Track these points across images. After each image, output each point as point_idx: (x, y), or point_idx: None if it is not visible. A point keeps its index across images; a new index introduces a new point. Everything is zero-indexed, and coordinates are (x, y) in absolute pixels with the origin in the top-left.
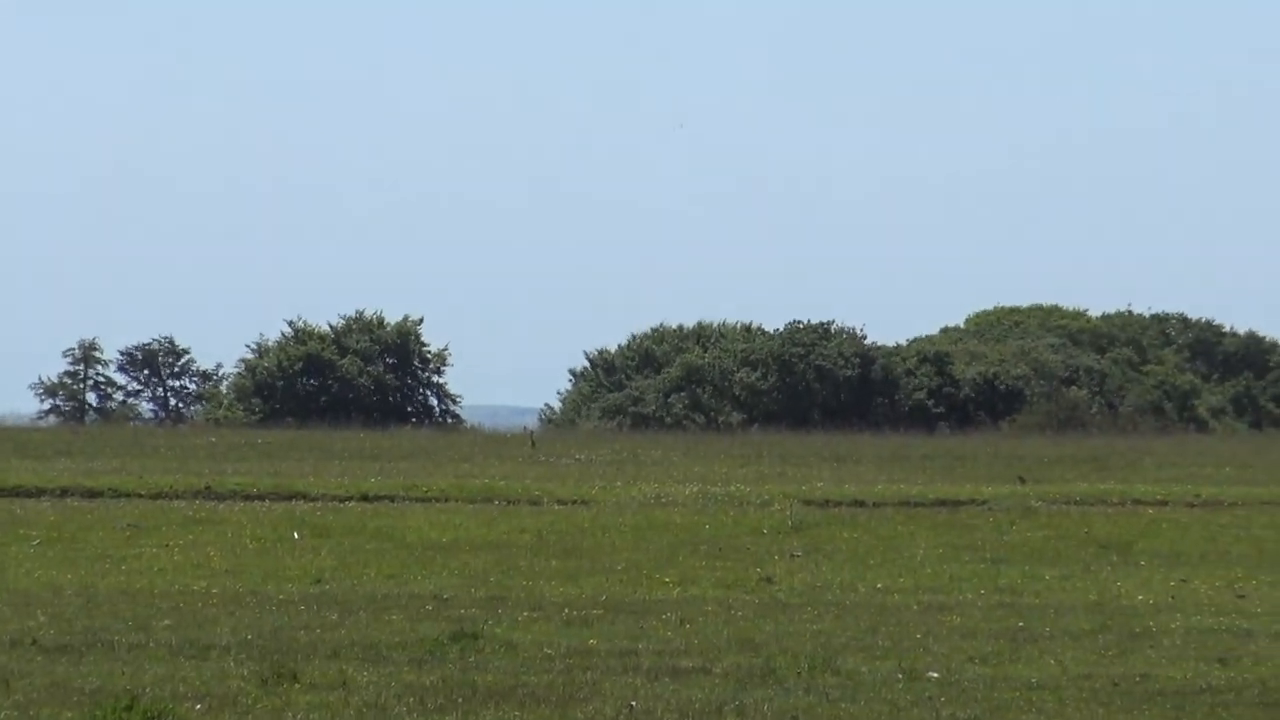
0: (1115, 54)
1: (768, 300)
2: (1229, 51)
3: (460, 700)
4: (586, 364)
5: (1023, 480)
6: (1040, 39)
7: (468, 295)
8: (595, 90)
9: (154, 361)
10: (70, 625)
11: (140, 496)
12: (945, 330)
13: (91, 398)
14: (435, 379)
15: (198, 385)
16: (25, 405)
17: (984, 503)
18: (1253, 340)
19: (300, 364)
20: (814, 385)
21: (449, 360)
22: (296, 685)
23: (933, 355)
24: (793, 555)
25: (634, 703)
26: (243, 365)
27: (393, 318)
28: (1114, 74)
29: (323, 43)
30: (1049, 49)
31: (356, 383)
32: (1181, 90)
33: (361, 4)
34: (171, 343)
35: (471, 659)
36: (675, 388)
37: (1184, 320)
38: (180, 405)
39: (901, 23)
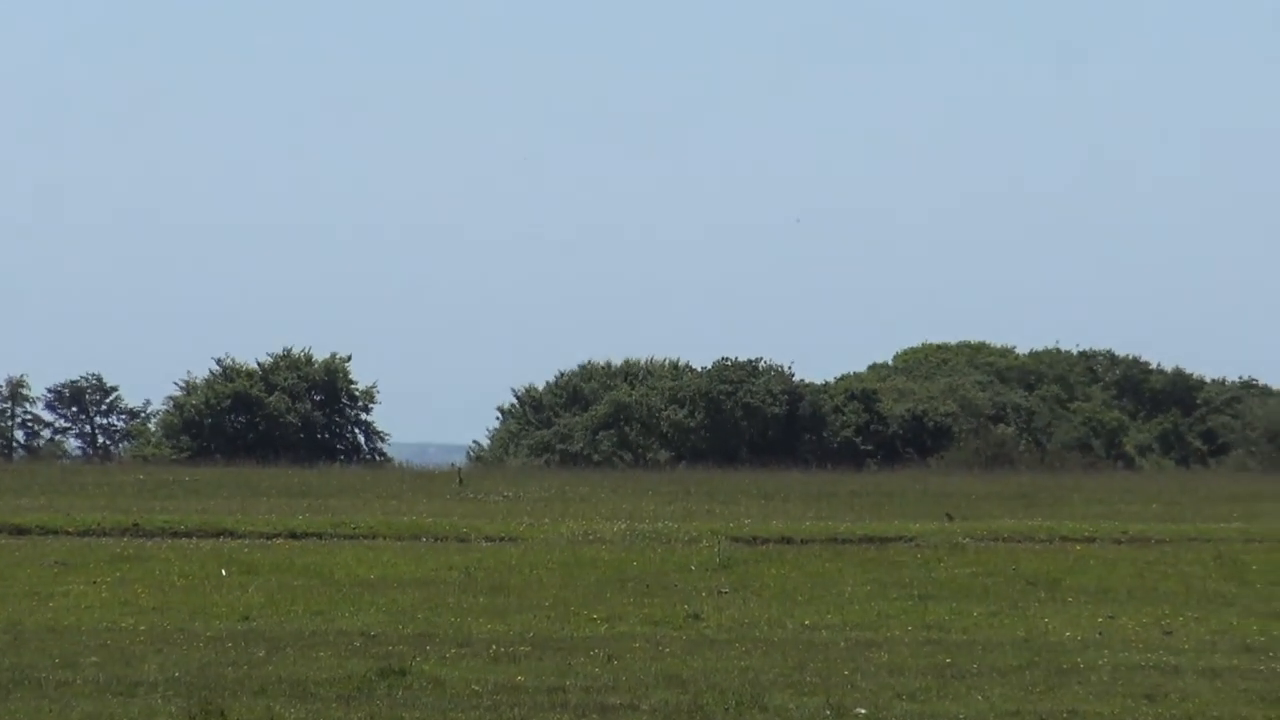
0: (1038, 95)
1: (695, 338)
2: (1155, 92)
3: None
4: (515, 401)
5: (950, 517)
6: (971, 81)
7: (396, 333)
8: (520, 127)
9: (82, 399)
10: None
11: (68, 534)
12: (873, 367)
13: (19, 435)
14: (363, 416)
15: (125, 423)
16: None
17: (912, 539)
18: (1180, 377)
19: (228, 401)
20: (742, 422)
21: (377, 398)
22: None
23: (860, 392)
24: (720, 592)
25: None
26: (171, 403)
27: (321, 355)
28: (1035, 115)
29: (243, 79)
30: (977, 91)
31: (284, 420)
32: (1104, 133)
33: (277, 47)
34: (99, 380)
35: (399, 696)
36: (603, 425)
37: (1111, 357)
38: (108, 443)
39: (834, 62)
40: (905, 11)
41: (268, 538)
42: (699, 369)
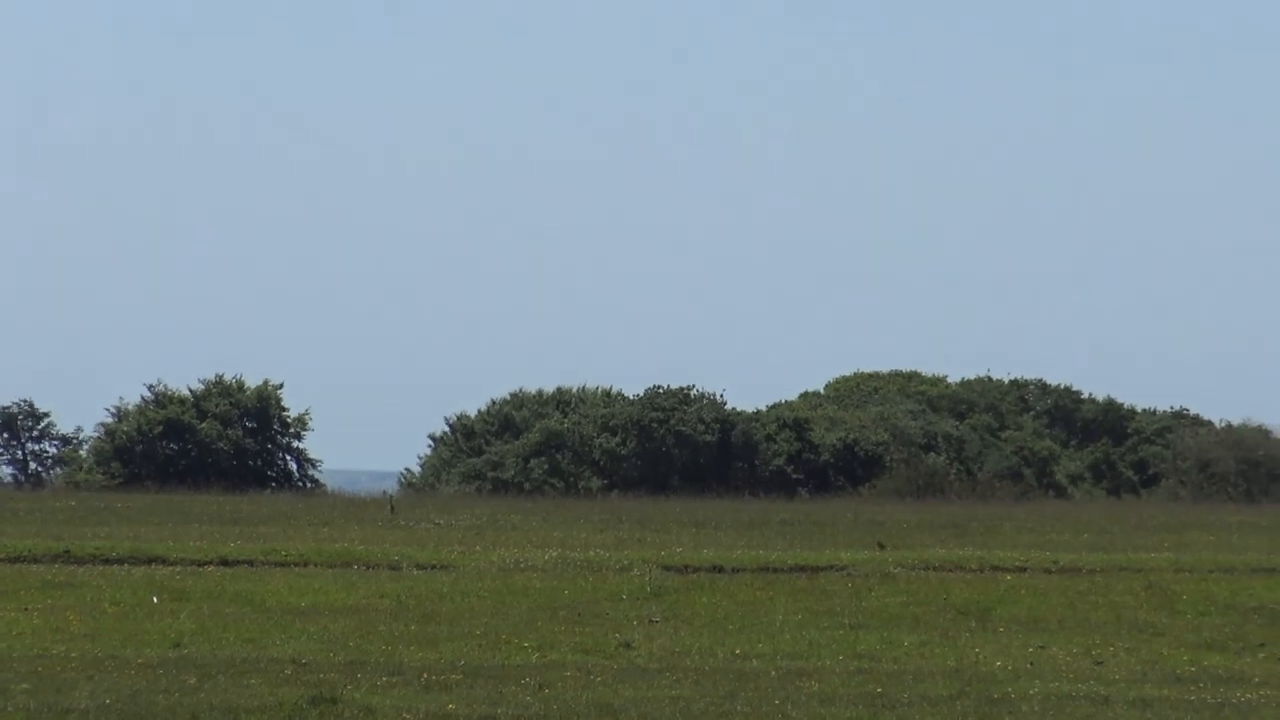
0: (967, 113)
1: (627, 366)
2: (1086, 111)
3: None
4: (446, 429)
5: (882, 546)
6: (900, 99)
7: (327, 360)
8: (455, 147)
9: (13, 425)
10: None
11: None
12: (805, 396)
13: None
14: (295, 443)
15: (57, 449)
16: None
17: (843, 568)
18: (1111, 407)
19: (160, 428)
20: (674, 451)
21: (309, 424)
22: None
23: (792, 421)
24: (651, 621)
25: None
26: (102, 429)
27: (253, 382)
28: (968, 136)
29: (168, 102)
30: (902, 110)
31: (216, 447)
32: (1036, 163)
33: (203, 66)
34: (31, 406)
35: None
36: (535, 453)
37: (1043, 386)
38: (40, 469)
39: (761, 93)
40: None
41: (199, 564)
42: (631, 397)
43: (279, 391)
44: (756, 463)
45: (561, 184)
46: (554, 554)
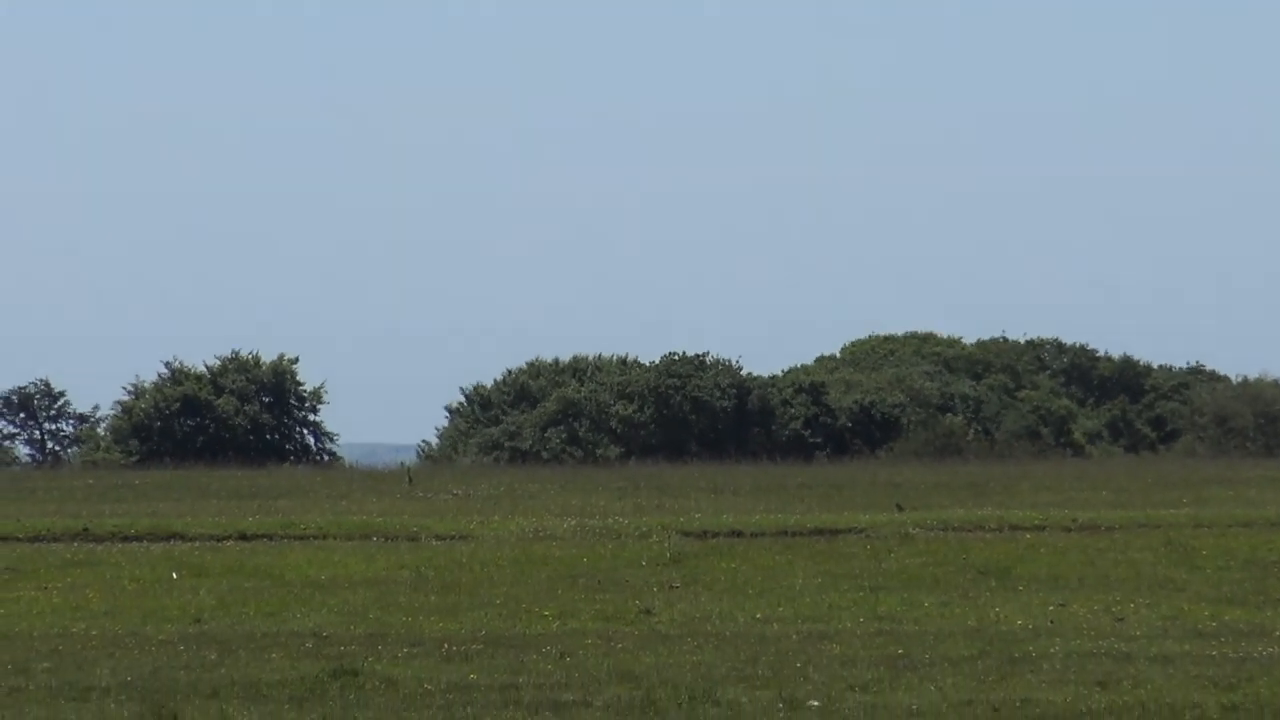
0: (970, 74)
1: (643, 333)
2: (1113, 72)
3: None
4: (463, 400)
5: (900, 508)
6: (911, 59)
7: (342, 333)
8: (470, 120)
9: (30, 404)
10: None
11: (18, 539)
12: (820, 360)
13: None
14: (311, 417)
15: (74, 427)
16: None
17: (862, 531)
18: (1127, 364)
19: (177, 404)
20: (690, 417)
21: (325, 398)
22: None
23: (808, 385)
24: (672, 586)
25: None
26: (119, 407)
27: (268, 357)
28: (976, 95)
29: (186, 83)
30: (912, 69)
31: (233, 422)
32: (1056, 114)
33: (230, 53)
34: (47, 385)
35: (352, 696)
36: (552, 422)
37: (1058, 345)
38: (57, 448)
39: (785, 55)
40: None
41: (218, 540)
42: (647, 364)
43: (294, 366)
44: (773, 427)
45: (574, 152)
46: (573, 522)
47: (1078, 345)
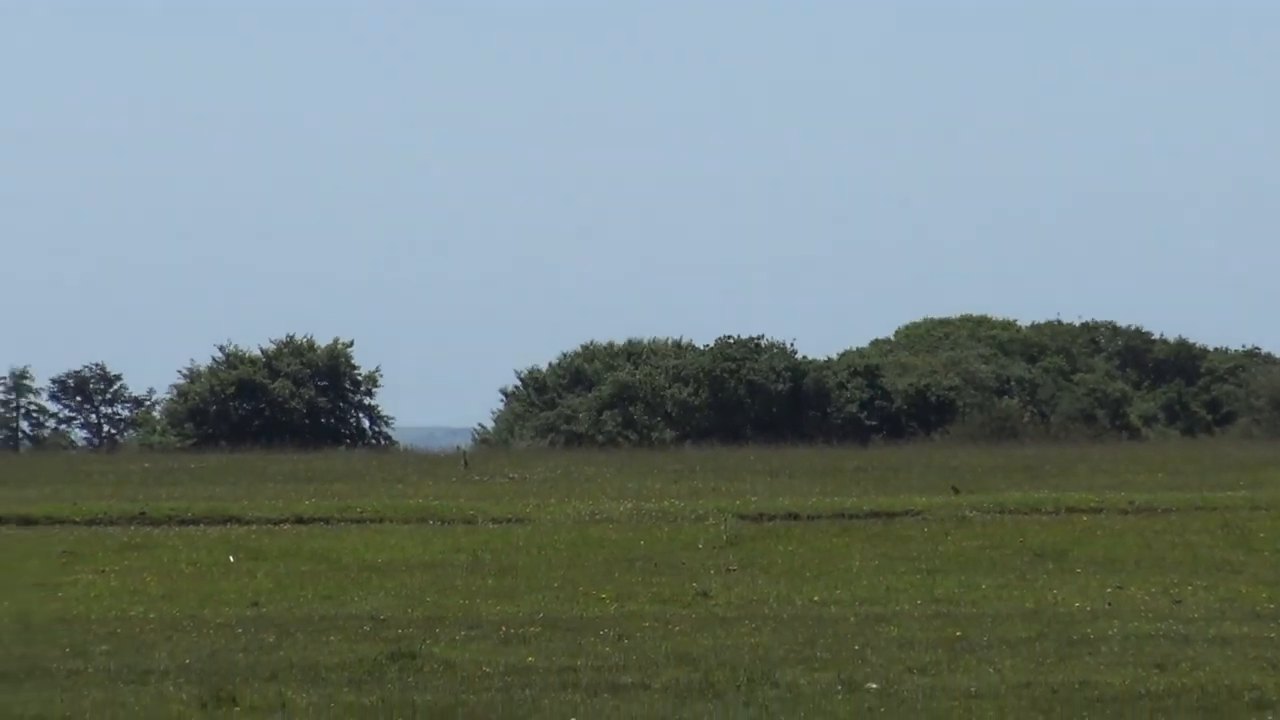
0: (1032, 52)
1: (697, 317)
2: (1165, 61)
3: None
4: (518, 383)
5: (957, 490)
6: (968, 37)
7: (398, 317)
8: (523, 105)
9: (86, 388)
10: (7, 653)
11: (75, 523)
12: (875, 343)
13: (24, 425)
14: (367, 401)
15: (130, 411)
16: None
17: (918, 513)
18: (1183, 347)
19: (232, 388)
20: (746, 400)
21: (380, 382)
22: (236, 708)
23: (863, 368)
24: (729, 569)
25: (574, 719)
26: (175, 390)
27: (323, 341)
28: (1031, 77)
29: (242, 69)
30: (969, 49)
31: (288, 406)
32: (1110, 95)
33: (274, 40)
34: (103, 369)
35: (410, 679)
36: (607, 405)
37: (1113, 328)
38: (113, 431)
39: (825, 37)
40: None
41: (274, 523)
42: (701, 347)
43: (349, 350)
44: (829, 410)
45: (626, 135)
46: (629, 505)
47: (1133, 328)
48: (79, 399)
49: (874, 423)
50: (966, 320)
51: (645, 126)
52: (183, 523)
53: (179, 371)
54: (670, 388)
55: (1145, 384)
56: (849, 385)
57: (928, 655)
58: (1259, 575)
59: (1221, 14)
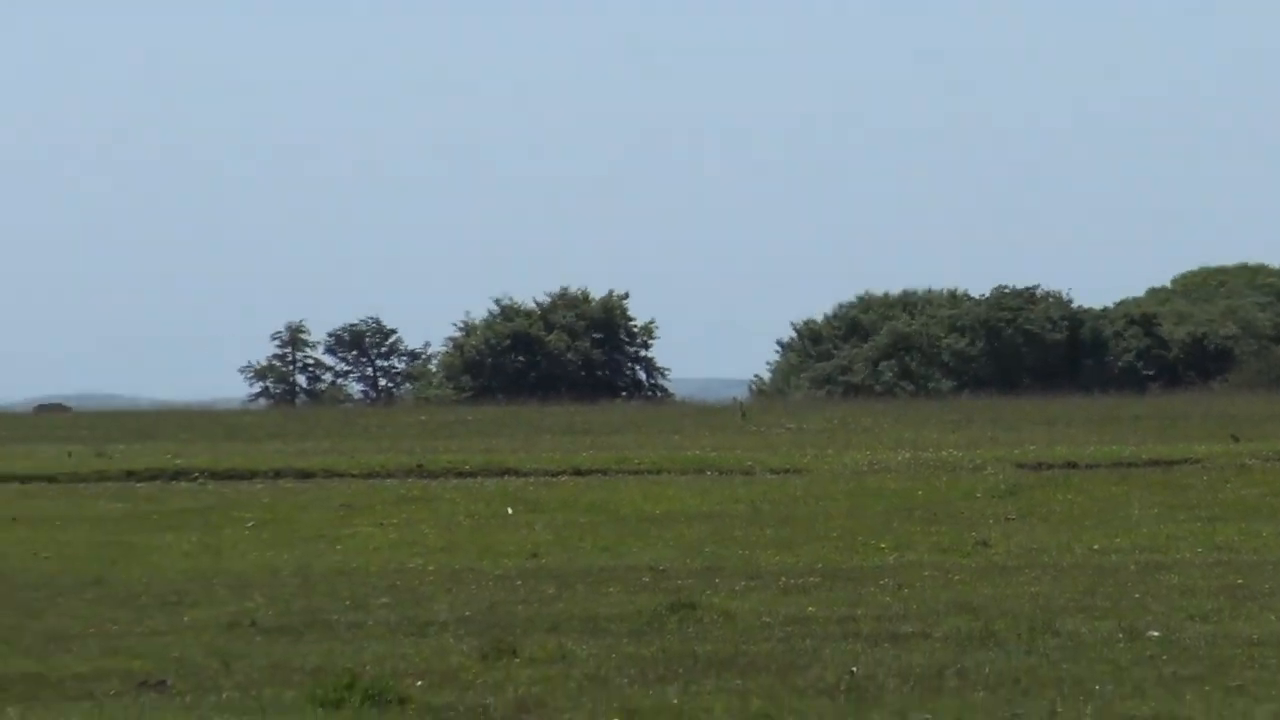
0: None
1: (972, 266)
2: None
3: (681, 670)
4: (794, 334)
5: (1236, 438)
6: None
7: (673, 269)
8: (810, 58)
9: (362, 342)
10: (288, 606)
11: (353, 476)
12: (1151, 291)
13: (301, 380)
14: (642, 353)
15: (406, 365)
16: (236, 389)
17: (1197, 461)
18: None
19: (508, 341)
20: (1022, 349)
21: (655, 334)
22: (516, 659)
23: (1140, 317)
24: (1008, 518)
25: (855, 668)
26: (450, 344)
27: (598, 293)
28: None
29: (471, 33)
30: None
31: (564, 358)
32: None
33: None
34: (379, 323)
35: (690, 629)
36: (883, 355)
37: None
38: (390, 385)
39: None
40: None
41: (552, 475)
42: (977, 297)
43: (624, 302)
44: (1106, 359)
45: (914, 84)
46: (907, 455)
47: None
48: (355, 353)
49: (1151, 371)
50: (1243, 269)
51: (937, 78)
52: (460, 475)
53: (454, 324)
54: (946, 337)
55: None
56: (1125, 334)
57: (1209, 603)
58: None
59: None
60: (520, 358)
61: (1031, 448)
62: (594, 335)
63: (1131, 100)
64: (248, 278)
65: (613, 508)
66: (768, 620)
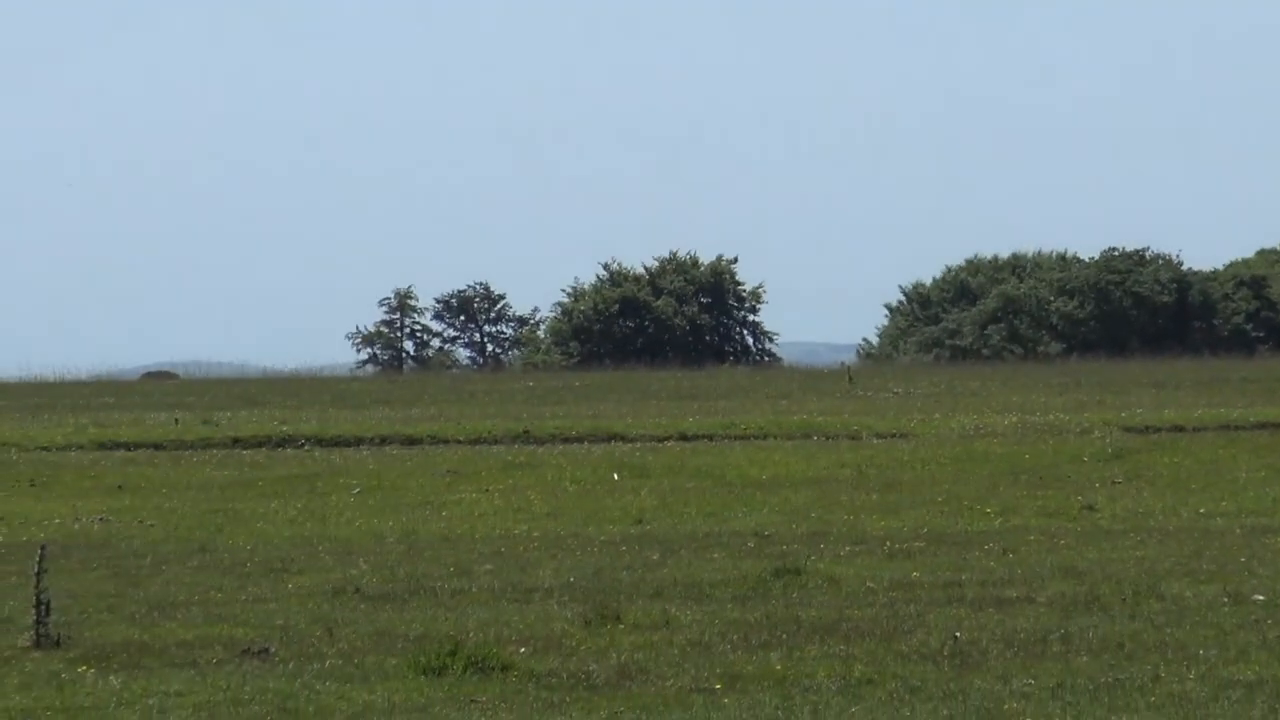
0: None
1: (1081, 228)
2: None
3: (785, 636)
4: (902, 298)
5: None
6: None
7: (782, 233)
8: (908, 24)
9: (469, 308)
10: (392, 572)
11: (459, 442)
12: (1262, 253)
13: (408, 346)
14: (750, 318)
15: (514, 330)
16: (343, 356)
17: None
18: None
19: (616, 306)
20: (1131, 312)
21: (763, 298)
22: (620, 625)
23: (1250, 279)
24: (1114, 482)
25: (959, 633)
26: (558, 309)
27: (706, 258)
28: None
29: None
30: None
31: (672, 323)
32: None
33: None
34: (486, 288)
35: (794, 594)
36: (992, 319)
37: None
38: (498, 350)
39: None
40: None
41: (658, 440)
42: (1086, 260)
43: (733, 266)
44: (1215, 322)
45: (1020, 55)
46: (1013, 419)
47: None
48: (463, 318)
49: (1260, 334)
50: None
51: (1042, 41)
52: (566, 441)
53: (563, 290)
54: (1055, 300)
55: None
56: (1235, 296)
57: None
58: None
59: None
60: (628, 323)
61: (1139, 411)
62: (702, 300)
63: (1244, 59)
64: (356, 244)
65: (718, 473)
66: (872, 585)
